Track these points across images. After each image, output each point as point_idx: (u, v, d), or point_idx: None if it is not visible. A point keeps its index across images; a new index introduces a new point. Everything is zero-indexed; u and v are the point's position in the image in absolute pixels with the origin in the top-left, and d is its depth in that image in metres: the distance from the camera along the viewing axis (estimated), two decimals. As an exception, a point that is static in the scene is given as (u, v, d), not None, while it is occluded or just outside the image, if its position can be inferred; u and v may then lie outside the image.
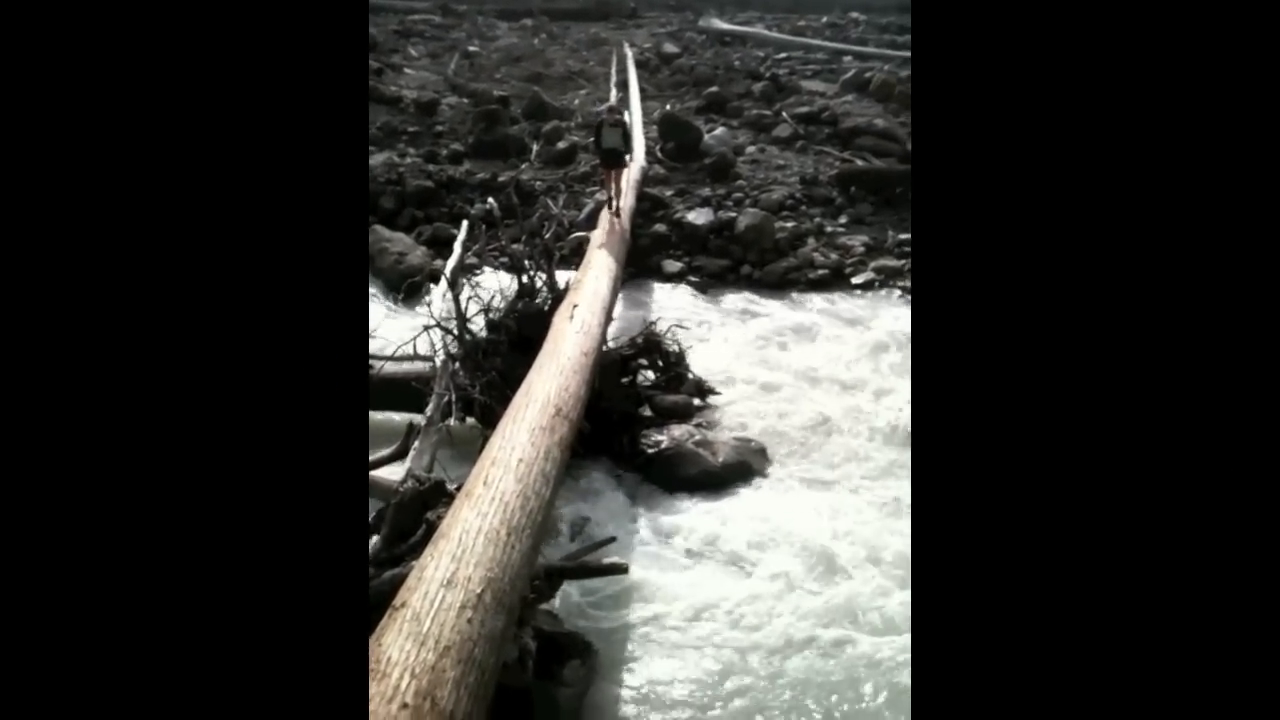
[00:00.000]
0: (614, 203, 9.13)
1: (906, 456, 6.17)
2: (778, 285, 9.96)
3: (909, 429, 6.43)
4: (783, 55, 20.76)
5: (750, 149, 13.88)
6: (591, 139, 10.35)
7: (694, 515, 5.81)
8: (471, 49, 21.26)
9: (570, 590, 4.87)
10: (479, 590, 3.20)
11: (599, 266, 7.50)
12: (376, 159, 12.95)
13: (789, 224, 11.00)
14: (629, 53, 19.76)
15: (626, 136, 9.11)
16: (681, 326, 7.59)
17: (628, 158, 9.43)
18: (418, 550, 3.82)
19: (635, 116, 13.81)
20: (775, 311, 9.38)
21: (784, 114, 15.23)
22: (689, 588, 5.08)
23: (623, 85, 16.62)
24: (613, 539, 5.24)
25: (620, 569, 4.84)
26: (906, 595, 4.83)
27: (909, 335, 7.99)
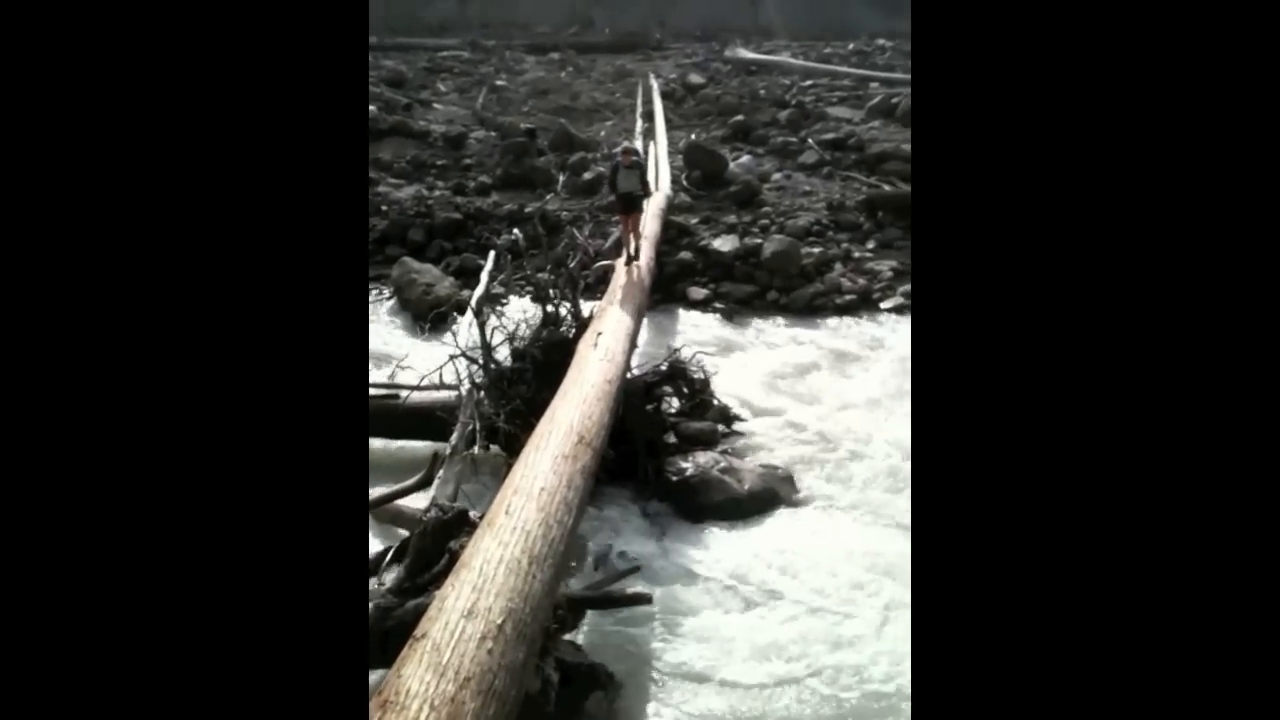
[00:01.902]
0: (631, 250, 8.34)
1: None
2: (805, 311, 9.92)
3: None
4: (809, 83, 20.90)
5: (776, 176, 13.93)
6: (606, 181, 9.40)
7: (720, 544, 5.74)
8: (499, 83, 21.73)
9: (594, 620, 4.81)
10: (499, 621, 3.18)
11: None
12: (405, 192, 13.22)
13: (815, 249, 10.97)
14: (655, 84, 20.04)
15: (644, 178, 8.37)
16: (706, 353, 7.56)
17: (646, 202, 8.68)
18: (440, 580, 3.81)
19: (661, 146, 13.95)
20: (802, 337, 9.32)
21: (810, 141, 15.29)
22: (714, 618, 5.00)
23: (648, 116, 16.83)
24: (637, 568, 5.19)
25: (644, 599, 4.79)
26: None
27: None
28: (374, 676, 4.21)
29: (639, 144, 14.51)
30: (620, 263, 8.42)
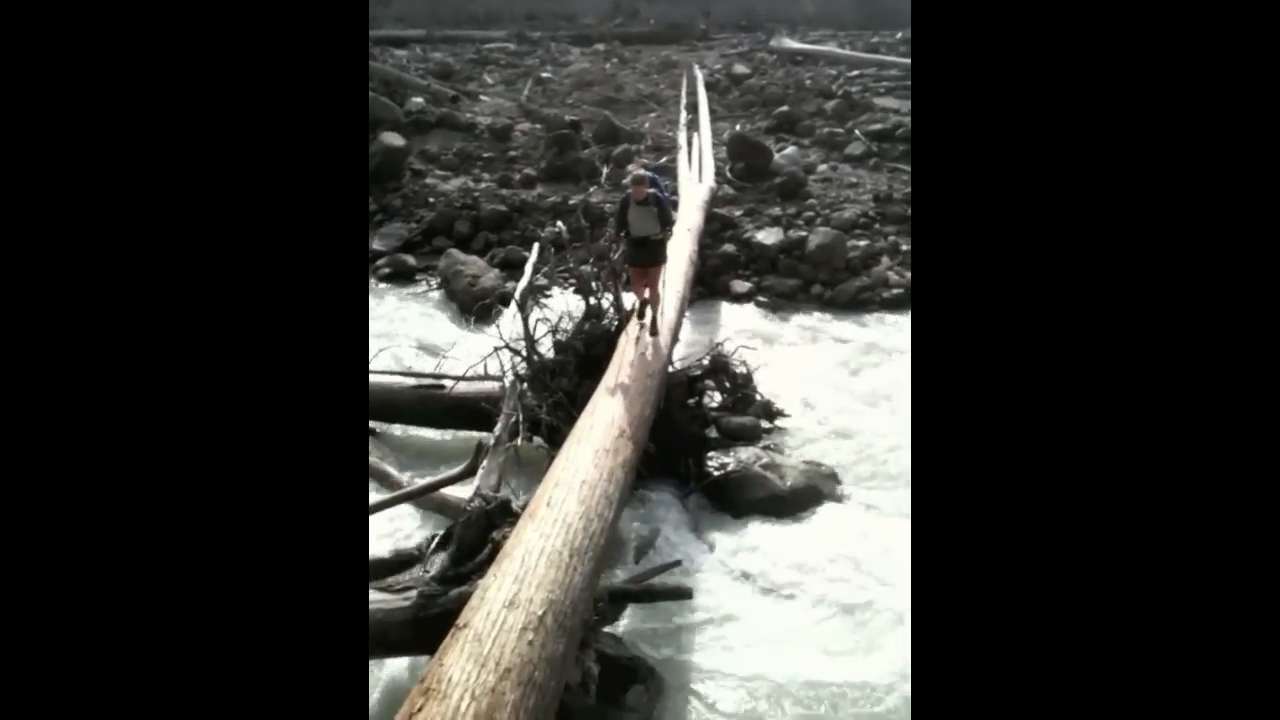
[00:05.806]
0: (648, 314, 6.17)
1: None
2: (849, 305, 9.77)
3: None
4: (855, 73, 20.49)
5: (822, 167, 13.72)
6: (613, 222, 6.30)
7: (761, 540, 5.70)
8: (545, 75, 21.76)
9: (634, 613, 4.83)
10: (540, 612, 3.21)
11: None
12: (452, 184, 13.36)
13: (861, 243, 10.79)
14: (699, 75, 19.83)
15: (665, 215, 5.92)
16: (749, 347, 7.50)
17: (667, 248, 6.20)
18: (483, 569, 3.86)
19: (705, 137, 13.83)
20: (847, 332, 9.18)
21: (856, 131, 15.02)
22: (755, 614, 4.97)
23: (693, 107, 16.67)
24: (678, 562, 5.18)
25: (685, 593, 4.78)
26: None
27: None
28: (416, 662, 4.29)
29: (681, 136, 14.36)
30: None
